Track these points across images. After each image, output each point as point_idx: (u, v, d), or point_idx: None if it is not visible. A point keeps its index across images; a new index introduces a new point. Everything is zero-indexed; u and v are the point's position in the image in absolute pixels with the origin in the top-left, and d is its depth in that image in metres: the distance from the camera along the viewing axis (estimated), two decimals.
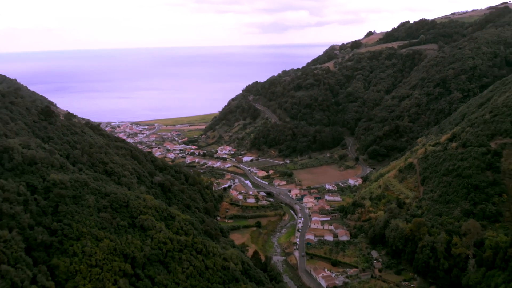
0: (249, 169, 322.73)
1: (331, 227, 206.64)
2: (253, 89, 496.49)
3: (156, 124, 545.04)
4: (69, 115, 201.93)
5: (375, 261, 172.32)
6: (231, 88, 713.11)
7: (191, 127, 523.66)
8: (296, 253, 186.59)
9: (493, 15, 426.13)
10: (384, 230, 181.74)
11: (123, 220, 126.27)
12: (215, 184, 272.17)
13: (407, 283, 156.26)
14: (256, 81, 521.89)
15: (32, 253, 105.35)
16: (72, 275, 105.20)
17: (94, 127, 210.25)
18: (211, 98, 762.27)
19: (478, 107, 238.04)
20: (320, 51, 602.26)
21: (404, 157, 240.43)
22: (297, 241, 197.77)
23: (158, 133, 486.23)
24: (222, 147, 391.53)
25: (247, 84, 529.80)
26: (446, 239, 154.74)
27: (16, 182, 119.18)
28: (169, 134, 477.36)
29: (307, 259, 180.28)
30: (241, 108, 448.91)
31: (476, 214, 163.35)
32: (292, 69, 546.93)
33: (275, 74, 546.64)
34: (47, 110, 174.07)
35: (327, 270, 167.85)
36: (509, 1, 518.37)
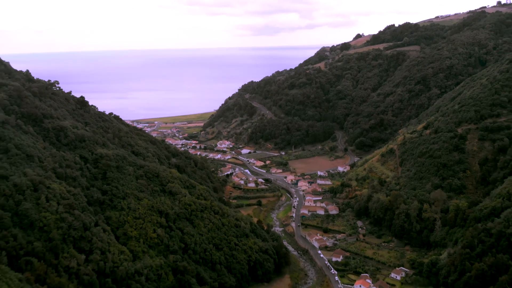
0: (248, 160, 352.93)
1: (323, 204, 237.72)
2: (249, 88, 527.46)
3: (156, 122, 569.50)
4: None
5: (360, 229, 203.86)
6: (225, 89, 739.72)
7: (189, 124, 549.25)
8: (293, 224, 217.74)
9: (470, 19, 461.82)
10: (367, 203, 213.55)
11: (155, 186, 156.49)
12: (218, 171, 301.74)
13: (386, 243, 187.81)
14: (252, 81, 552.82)
15: (90, 208, 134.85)
16: (122, 224, 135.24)
17: (117, 117, 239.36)
18: (206, 98, 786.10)
19: (451, 100, 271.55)
20: (311, 53, 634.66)
21: (387, 145, 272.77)
22: (293, 215, 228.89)
23: (159, 130, 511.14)
24: (221, 141, 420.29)
25: (241, 85, 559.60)
26: (418, 207, 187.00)
27: (72, 154, 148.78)
28: (169, 131, 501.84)
29: (302, 228, 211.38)
30: (238, 106, 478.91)
31: (444, 187, 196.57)
32: (286, 70, 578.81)
33: (269, 75, 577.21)
34: (82, 101, 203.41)
35: (319, 235, 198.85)
36: (488, 6, 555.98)
